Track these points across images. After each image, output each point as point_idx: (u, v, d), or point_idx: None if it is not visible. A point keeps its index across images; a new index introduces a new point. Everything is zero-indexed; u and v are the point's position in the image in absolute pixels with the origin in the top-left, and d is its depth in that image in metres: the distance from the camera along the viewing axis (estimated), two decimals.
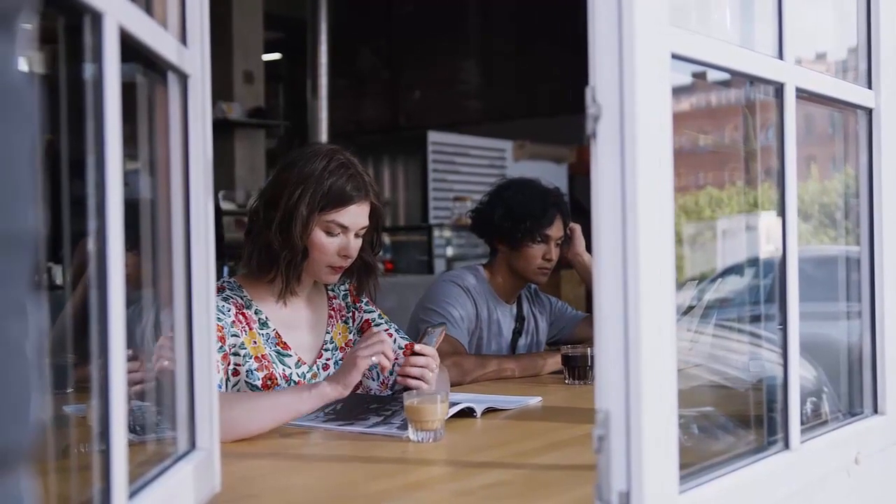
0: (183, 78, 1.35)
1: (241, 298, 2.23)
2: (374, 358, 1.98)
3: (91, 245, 1.01)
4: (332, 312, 2.38)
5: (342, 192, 2.18)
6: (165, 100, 1.34)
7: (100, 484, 1.00)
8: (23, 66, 0.59)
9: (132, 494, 1.08)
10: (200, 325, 1.38)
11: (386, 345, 2.01)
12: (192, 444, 1.37)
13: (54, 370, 1.30)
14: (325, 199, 2.16)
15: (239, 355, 2.15)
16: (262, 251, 2.21)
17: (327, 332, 2.35)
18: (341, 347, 2.36)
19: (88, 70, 1.01)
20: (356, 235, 2.23)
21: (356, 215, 2.21)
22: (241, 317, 2.19)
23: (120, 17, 1.03)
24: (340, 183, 2.18)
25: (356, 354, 1.99)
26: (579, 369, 2.65)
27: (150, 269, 1.35)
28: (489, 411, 2.19)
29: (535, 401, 2.36)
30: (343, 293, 2.43)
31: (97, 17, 0.99)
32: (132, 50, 1.11)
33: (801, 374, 1.55)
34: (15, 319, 0.56)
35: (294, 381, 2.23)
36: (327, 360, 2.32)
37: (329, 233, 2.19)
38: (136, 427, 1.32)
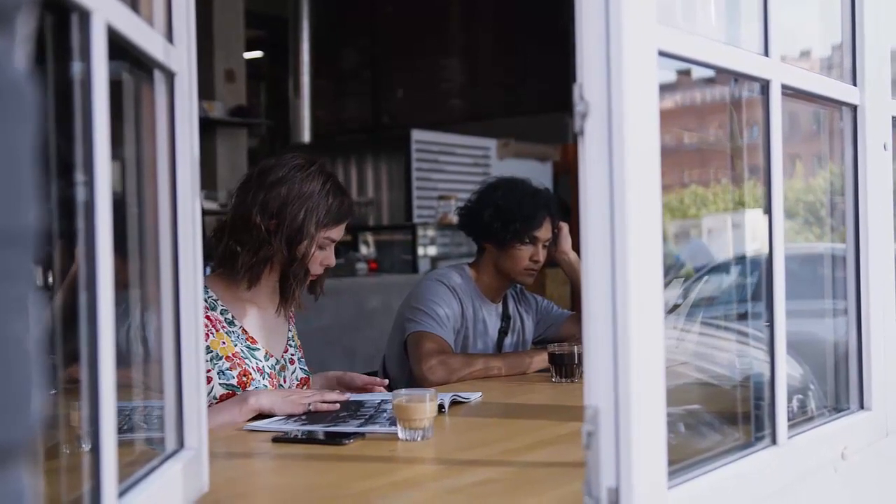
0: (170, 76, 1.34)
1: (206, 300, 2.24)
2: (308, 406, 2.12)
3: (80, 245, 1.00)
4: (291, 313, 2.48)
5: (342, 211, 2.30)
6: (151, 98, 1.33)
7: (89, 483, 1.00)
8: (22, 63, 0.59)
9: (121, 494, 1.08)
10: (188, 324, 1.38)
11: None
12: (181, 444, 1.37)
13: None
14: (328, 218, 2.27)
15: (207, 360, 2.17)
16: (263, 264, 2.26)
17: (289, 330, 2.46)
18: (299, 346, 2.48)
19: (76, 68, 1.00)
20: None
21: (343, 230, 2.35)
22: (205, 320, 2.19)
23: (108, 14, 1.02)
24: (338, 203, 2.30)
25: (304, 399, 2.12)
26: (566, 367, 2.65)
27: (136, 270, 1.34)
28: (453, 404, 2.23)
29: (475, 396, 2.38)
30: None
31: (85, 15, 0.98)
32: (118, 48, 1.10)
33: (787, 371, 1.56)
34: (17, 316, 0.56)
35: (267, 374, 2.29)
36: (291, 355, 2.43)
37: (321, 247, 2.30)
38: (122, 426, 1.32)
